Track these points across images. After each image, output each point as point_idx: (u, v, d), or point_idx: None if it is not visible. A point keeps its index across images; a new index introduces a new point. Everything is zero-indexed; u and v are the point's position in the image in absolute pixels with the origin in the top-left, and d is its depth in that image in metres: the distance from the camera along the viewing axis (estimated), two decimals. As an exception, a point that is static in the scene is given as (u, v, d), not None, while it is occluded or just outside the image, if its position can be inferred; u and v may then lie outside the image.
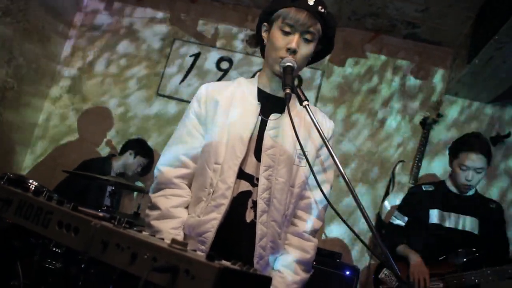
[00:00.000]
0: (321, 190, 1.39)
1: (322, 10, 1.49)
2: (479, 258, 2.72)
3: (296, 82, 1.49)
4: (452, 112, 3.90)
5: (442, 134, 3.86)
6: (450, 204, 2.87)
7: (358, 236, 1.19)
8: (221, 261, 0.76)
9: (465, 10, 3.42)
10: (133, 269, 0.80)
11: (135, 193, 4.03)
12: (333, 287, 3.20)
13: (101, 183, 3.25)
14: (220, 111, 1.54)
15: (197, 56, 4.27)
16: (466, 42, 3.55)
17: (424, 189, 2.98)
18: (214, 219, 1.45)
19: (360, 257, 3.74)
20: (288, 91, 1.40)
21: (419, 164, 3.67)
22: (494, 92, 3.62)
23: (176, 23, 4.41)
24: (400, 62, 4.08)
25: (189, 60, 4.27)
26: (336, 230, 3.80)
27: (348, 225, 1.25)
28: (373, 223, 3.67)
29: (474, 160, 2.72)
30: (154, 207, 1.53)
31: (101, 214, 0.95)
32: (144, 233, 0.96)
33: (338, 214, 1.28)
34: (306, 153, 1.46)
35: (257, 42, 1.68)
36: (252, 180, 1.50)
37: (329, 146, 1.32)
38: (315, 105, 4.02)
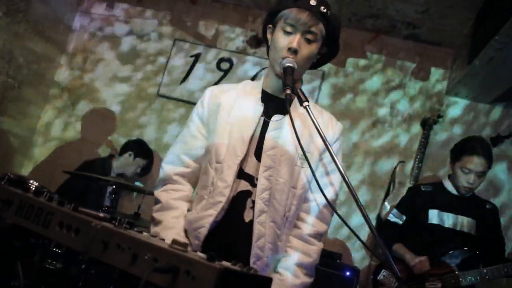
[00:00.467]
0: (322, 193, 1.38)
1: (325, 10, 1.49)
2: (476, 258, 2.76)
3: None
4: (453, 112, 3.90)
5: (442, 134, 3.86)
6: (448, 204, 2.89)
7: (358, 237, 1.19)
8: (222, 262, 0.76)
9: (465, 10, 3.42)
10: (134, 269, 0.81)
11: (135, 193, 4.03)
12: (334, 287, 3.20)
13: (101, 183, 3.25)
14: (223, 112, 1.56)
15: (197, 56, 4.28)
16: (467, 42, 3.55)
17: (423, 189, 3.00)
18: (210, 215, 1.46)
19: (360, 258, 3.74)
20: (288, 91, 1.40)
21: (420, 164, 3.67)
22: (495, 92, 3.62)
23: (177, 24, 4.42)
24: (400, 62, 4.08)
25: (190, 61, 4.28)
26: (336, 231, 3.80)
27: (348, 226, 1.25)
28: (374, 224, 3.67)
29: (476, 163, 2.74)
30: (156, 201, 1.61)
31: (101, 214, 0.95)
32: (145, 233, 0.96)
33: (338, 215, 1.28)
34: (310, 154, 1.47)
35: (257, 43, 1.70)
36: (252, 180, 1.51)
37: (330, 149, 1.31)
38: (315, 105, 4.02)
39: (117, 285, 1.09)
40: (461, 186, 2.82)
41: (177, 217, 1.54)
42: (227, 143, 1.51)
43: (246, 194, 1.50)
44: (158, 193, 1.61)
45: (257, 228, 1.46)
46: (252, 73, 4.15)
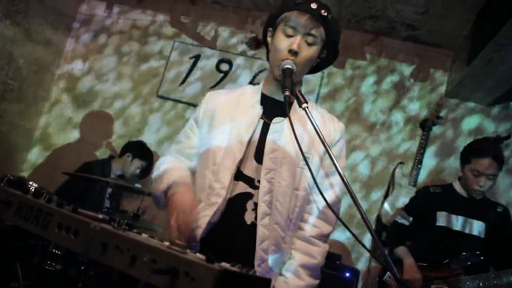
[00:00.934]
0: (322, 194, 1.36)
1: (325, 14, 1.49)
2: (484, 262, 2.70)
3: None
4: (452, 114, 3.90)
5: (442, 136, 3.86)
6: (458, 207, 2.85)
7: (357, 239, 1.19)
8: (221, 263, 0.76)
9: (465, 12, 3.43)
10: (133, 271, 0.80)
11: (134, 195, 4.03)
12: (333, 289, 3.20)
13: (100, 185, 3.25)
14: (220, 116, 1.58)
15: (197, 58, 4.28)
16: (466, 44, 3.55)
17: (431, 190, 2.98)
18: (206, 216, 1.46)
19: (360, 259, 3.74)
20: (287, 93, 1.40)
21: (419, 166, 3.66)
22: (494, 94, 3.63)
23: (176, 25, 4.42)
24: (400, 64, 4.09)
25: (189, 62, 4.28)
26: (336, 232, 3.79)
27: (348, 228, 1.25)
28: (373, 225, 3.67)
29: (487, 166, 2.71)
30: (155, 171, 1.66)
31: (100, 216, 0.95)
32: (144, 235, 0.96)
33: (338, 218, 1.28)
34: (311, 156, 1.49)
35: (257, 44, 1.71)
36: (253, 182, 1.50)
37: (329, 151, 1.30)
38: (315, 107, 4.02)
39: (116, 287, 1.09)
40: (472, 189, 2.79)
41: (181, 167, 1.60)
42: (224, 145, 1.51)
43: (247, 196, 1.49)
44: (156, 170, 1.65)
45: (260, 231, 1.45)
46: (251, 74, 4.15)
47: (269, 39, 1.61)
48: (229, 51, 4.26)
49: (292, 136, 1.47)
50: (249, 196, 1.50)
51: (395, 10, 3.67)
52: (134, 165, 3.63)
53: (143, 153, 3.68)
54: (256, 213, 1.47)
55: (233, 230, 1.48)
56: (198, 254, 0.87)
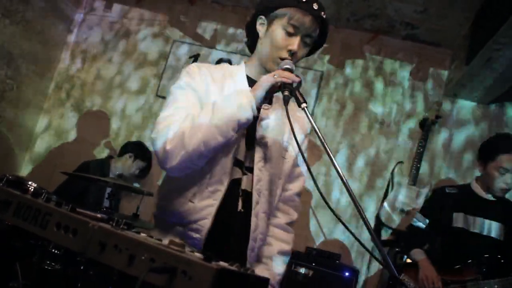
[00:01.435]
0: (315, 183, 1.31)
1: (324, 17, 1.50)
2: (503, 266, 2.59)
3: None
4: (451, 113, 3.90)
5: (441, 135, 3.87)
6: (475, 208, 2.75)
7: (356, 238, 1.19)
8: (219, 262, 0.77)
9: (464, 11, 3.43)
10: (131, 270, 0.81)
11: (134, 194, 4.03)
12: (332, 288, 3.21)
13: (100, 184, 3.25)
14: (214, 91, 1.48)
15: (196, 57, 4.28)
16: (465, 43, 3.55)
17: (447, 191, 2.89)
18: (210, 205, 1.39)
19: (359, 259, 3.74)
20: (286, 93, 1.40)
21: (418, 165, 3.66)
22: (493, 93, 3.63)
23: (176, 25, 4.42)
24: (399, 63, 4.09)
25: (189, 62, 4.28)
26: (335, 231, 3.80)
27: (348, 228, 1.25)
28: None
29: None
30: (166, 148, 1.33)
31: (99, 215, 0.95)
32: (142, 234, 0.96)
33: (338, 219, 1.28)
34: (291, 146, 1.54)
35: (248, 32, 1.63)
36: (242, 167, 1.47)
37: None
38: (314, 106, 4.03)
39: (116, 286, 1.09)
40: (497, 188, 2.69)
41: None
42: None
43: (237, 182, 1.46)
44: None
45: (253, 220, 1.45)
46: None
47: (259, 26, 1.55)
48: (228, 51, 4.26)
49: (278, 126, 1.53)
50: (238, 181, 1.46)
51: (394, 8, 3.67)
52: (135, 166, 3.63)
53: (143, 154, 3.68)
54: (243, 200, 1.45)
55: (229, 219, 1.44)
56: (196, 253, 0.88)
